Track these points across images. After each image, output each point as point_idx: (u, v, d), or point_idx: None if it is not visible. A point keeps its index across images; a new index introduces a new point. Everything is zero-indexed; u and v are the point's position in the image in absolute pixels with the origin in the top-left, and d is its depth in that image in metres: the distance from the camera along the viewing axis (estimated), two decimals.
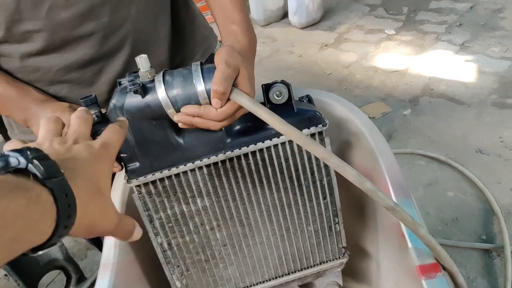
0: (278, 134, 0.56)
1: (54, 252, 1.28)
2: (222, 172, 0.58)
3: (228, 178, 0.59)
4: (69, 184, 0.30)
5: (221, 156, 0.56)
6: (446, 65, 2.45)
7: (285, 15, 3.33)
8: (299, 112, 0.56)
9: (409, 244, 0.56)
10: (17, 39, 0.62)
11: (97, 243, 1.14)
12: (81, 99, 0.50)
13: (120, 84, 0.53)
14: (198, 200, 0.60)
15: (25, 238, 0.26)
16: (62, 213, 0.28)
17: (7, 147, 0.39)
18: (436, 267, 0.53)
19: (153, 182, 0.57)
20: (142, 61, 0.48)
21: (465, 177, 1.70)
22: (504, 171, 1.70)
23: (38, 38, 0.62)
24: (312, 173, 0.61)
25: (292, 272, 0.71)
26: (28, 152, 0.29)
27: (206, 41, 0.87)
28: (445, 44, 2.65)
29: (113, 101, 0.50)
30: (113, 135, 0.42)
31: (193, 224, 0.61)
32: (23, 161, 0.28)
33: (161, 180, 0.57)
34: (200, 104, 0.49)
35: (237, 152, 0.56)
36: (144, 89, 0.49)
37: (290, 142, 0.58)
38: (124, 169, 0.55)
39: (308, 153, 0.59)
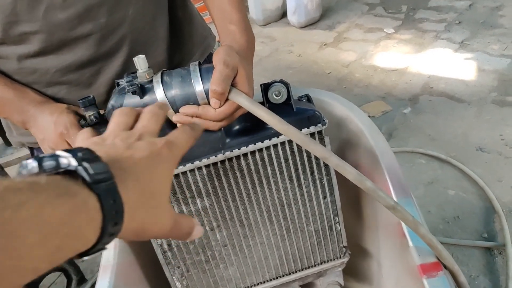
0: (277, 134, 0.56)
1: None
2: (221, 173, 0.58)
3: (227, 179, 0.59)
4: (118, 188, 0.28)
5: (220, 156, 0.56)
6: (446, 63, 2.45)
7: (284, 14, 3.33)
8: (298, 111, 0.56)
9: (410, 243, 0.56)
10: (14, 40, 0.62)
11: None
12: (79, 100, 0.50)
13: (118, 85, 0.52)
14: (198, 201, 0.59)
15: (69, 246, 0.25)
16: (108, 221, 0.27)
17: (80, 138, 0.38)
18: (437, 266, 0.53)
19: None
20: (140, 62, 0.48)
21: (466, 175, 1.70)
22: (505, 169, 1.70)
23: (35, 40, 0.62)
24: (312, 173, 0.61)
25: (292, 272, 0.71)
26: (80, 154, 0.28)
27: (204, 41, 0.86)
28: (444, 42, 2.65)
29: (112, 102, 0.50)
30: (181, 135, 0.38)
31: None
32: (73, 163, 0.27)
33: None
34: (198, 104, 0.49)
35: (236, 152, 0.56)
36: (142, 90, 0.49)
37: (290, 141, 0.58)
38: None
39: (308, 153, 0.59)
